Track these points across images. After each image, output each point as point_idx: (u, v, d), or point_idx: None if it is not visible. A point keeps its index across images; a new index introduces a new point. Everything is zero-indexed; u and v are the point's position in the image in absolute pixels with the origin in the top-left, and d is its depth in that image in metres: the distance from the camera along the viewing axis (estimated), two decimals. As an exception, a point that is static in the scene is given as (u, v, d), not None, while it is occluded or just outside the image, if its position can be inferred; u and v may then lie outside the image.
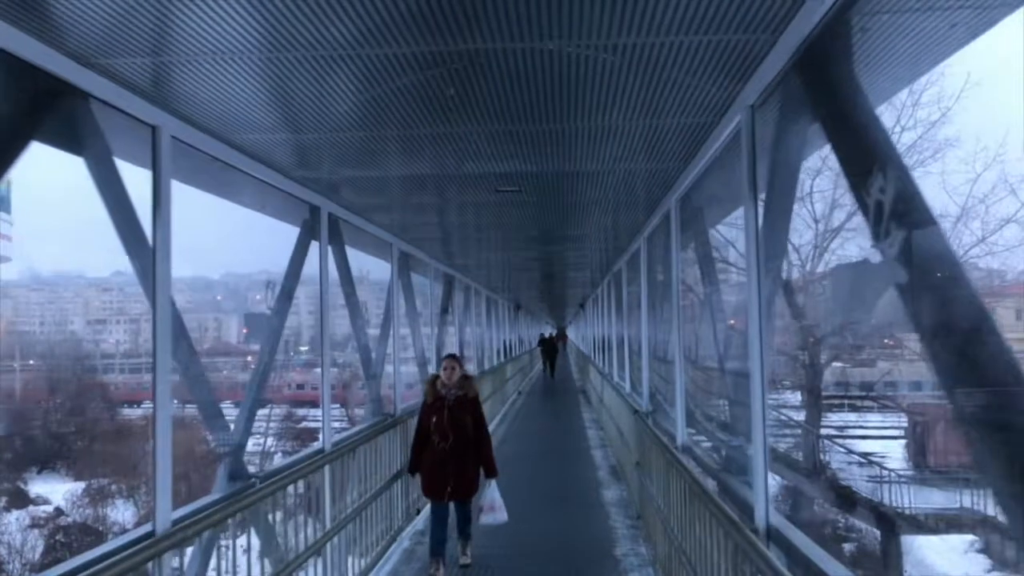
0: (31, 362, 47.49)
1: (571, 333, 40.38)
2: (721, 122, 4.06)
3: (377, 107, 3.80)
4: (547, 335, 32.96)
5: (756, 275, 3.45)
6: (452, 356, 6.22)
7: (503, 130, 4.19)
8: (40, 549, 25.05)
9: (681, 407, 5.67)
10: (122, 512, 28.42)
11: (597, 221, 7.46)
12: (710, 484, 5.04)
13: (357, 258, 9.06)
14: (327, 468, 5.52)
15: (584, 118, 4.03)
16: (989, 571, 20.14)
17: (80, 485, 31.26)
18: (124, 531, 24.57)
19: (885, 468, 24.60)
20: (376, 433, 6.71)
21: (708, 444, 5.76)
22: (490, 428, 15.86)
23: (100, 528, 26.00)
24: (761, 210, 3.49)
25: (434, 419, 5.85)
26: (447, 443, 5.78)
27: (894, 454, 28.37)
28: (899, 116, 22.09)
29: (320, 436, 5.86)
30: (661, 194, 6.07)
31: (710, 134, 4.34)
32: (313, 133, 4.24)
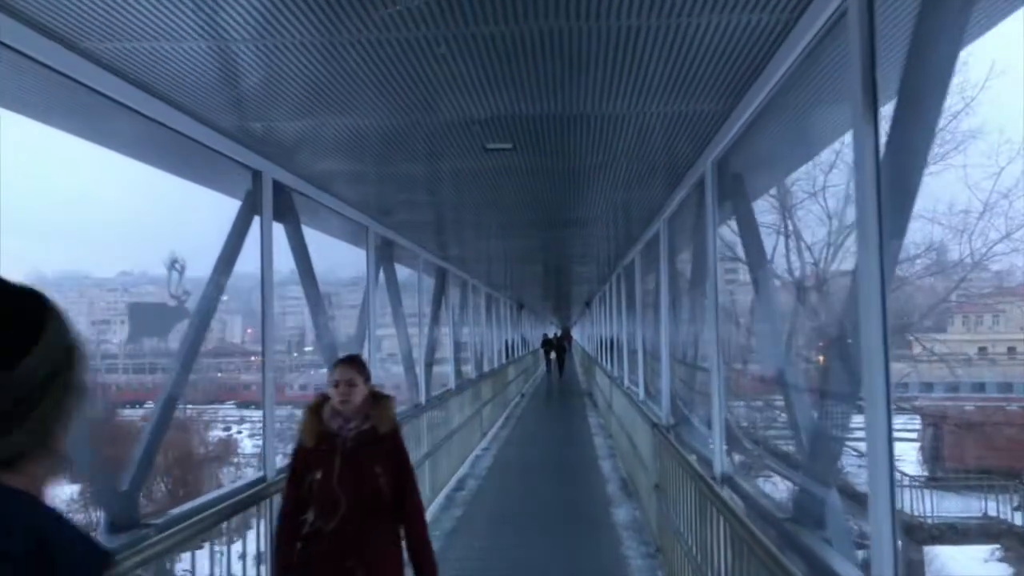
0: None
1: (576, 333, 39.03)
2: (803, 18, 2.73)
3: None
4: (551, 335, 31.56)
5: (876, 235, 2.11)
6: (349, 361, 3.32)
7: (484, 34, 2.86)
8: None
9: (720, 428, 4.33)
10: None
11: (607, 197, 6.12)
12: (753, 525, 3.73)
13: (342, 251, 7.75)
14: (267, 504, 4.21)
15: (591, 16, 2.71)
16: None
17: (76, 488, 30.02)
18: (114, 537, 23.35)
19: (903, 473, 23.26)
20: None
21: (759, 475, 4.44)
22: (490, 434, 14.67)
23: (92, 533, 24.72)
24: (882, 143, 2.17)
25: (318, 475, 3.12)
26: (334, 518, 3.06)
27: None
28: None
29: (262, 460, 4.54)
30: (692, 155, 4.73)
31: (781, 44, 3.00)
32: (242, 42, 2.92)
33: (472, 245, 9.59)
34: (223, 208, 4.88)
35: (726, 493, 4.15)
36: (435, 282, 10.59)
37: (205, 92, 3.46)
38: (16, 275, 0.88)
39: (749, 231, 4.43)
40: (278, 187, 4.85)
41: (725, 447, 4.47)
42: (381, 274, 7.97)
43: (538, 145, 4.39)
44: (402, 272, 9.19)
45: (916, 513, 19.93)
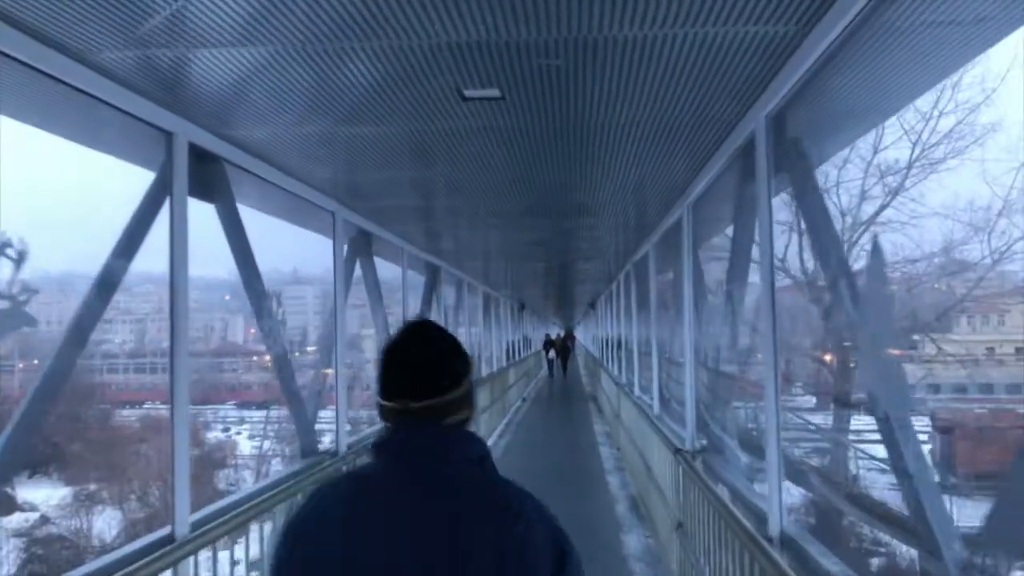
0: (35, 362, 45.53)
1: (579, 334, 37.83)
2: None
3: None
4: (553, 336, 30.39)
5: None
6: None
7: None
8: (16, 562, 22.83)
9: (778, 469, 3.19)
10: (107, 522, 26.17)
11: (619, 174, 4.96)
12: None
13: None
14: None
15: None
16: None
17: (70, 491, 29.03)
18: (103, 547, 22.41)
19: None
20: (298, 487, 4.29)
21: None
22: (489, 442, 13.44)
23: (81, 542, 23.73)
24: None
25: None
26: None
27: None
28: (937, 99, 19.49)
29: (174, 506, 3.37)
30: (737, 107, 3.56)
31: None
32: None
33: (465, 239, 8.44)
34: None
35: (787, 559, 3.01)
36: (425, 280, 9.45)
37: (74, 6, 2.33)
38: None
39: (815, 213, 3.28)
40: (202, 156, 3.72)
41: (781, 492, 3.33)
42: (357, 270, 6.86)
43: (532, 93, 3.24)
44: (393, 270, 8.07)
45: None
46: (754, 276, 4.73)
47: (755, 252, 4.69)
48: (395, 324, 7.84)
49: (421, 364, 1.39)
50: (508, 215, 6.38)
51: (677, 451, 5.27)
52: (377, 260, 7.35)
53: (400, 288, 7.99)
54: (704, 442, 5.22)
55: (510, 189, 5.24)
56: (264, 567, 3.92)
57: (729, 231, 8.19)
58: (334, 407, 5.64)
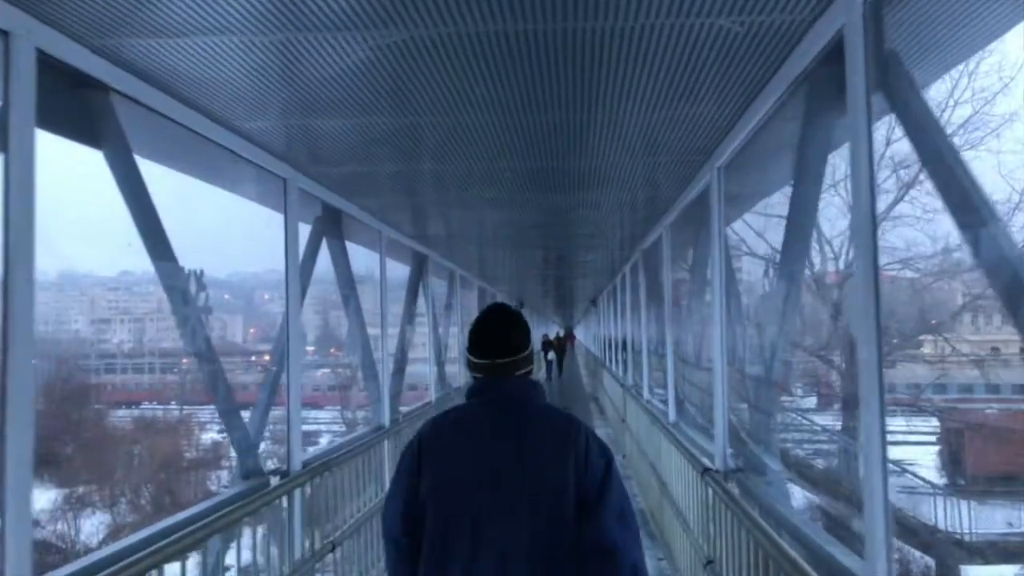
0: (33, 362, 44.68)
1: (579, 333, 36.73)
2: None
3: None
4: (552, 336, 29.23)
5: None
6: None
7: None
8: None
9: (885, 519, 2.13)
10: (97, 525, 25.17)
11: (631, 122, 3.89)
12: None
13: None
14: None
15: None
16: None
17: (62, 493, 28.04)
18: (88, 550, 21.36)
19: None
20: (219, 527, 3.22)
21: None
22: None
23: (64, 546, 22.72)
24: None
25: None
26: None
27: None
28: (953, 88, 18.42)
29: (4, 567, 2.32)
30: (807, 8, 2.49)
31: None
32: None
33: (455, 220, 7.35)
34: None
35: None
36: (411, 271, 8.38)
37: None
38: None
39: (943, 153, 2.22)
40: (75, 80, 2.67)
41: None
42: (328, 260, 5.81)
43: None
44: (377, 261, 7.01)
45: (952, 528, 17.65)
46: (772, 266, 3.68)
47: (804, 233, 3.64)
48: (373, 322, 6.79)
49: (502, 334, 2.15)
50: (501, 183, 5.31)
51: (705, 471, 4.21)
52: (353, 249, 6.32)
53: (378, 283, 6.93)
54: (740, 461, 4.16)
55: (500, 144, 4.17)
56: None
57: (755, 210, 7.08)
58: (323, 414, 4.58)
